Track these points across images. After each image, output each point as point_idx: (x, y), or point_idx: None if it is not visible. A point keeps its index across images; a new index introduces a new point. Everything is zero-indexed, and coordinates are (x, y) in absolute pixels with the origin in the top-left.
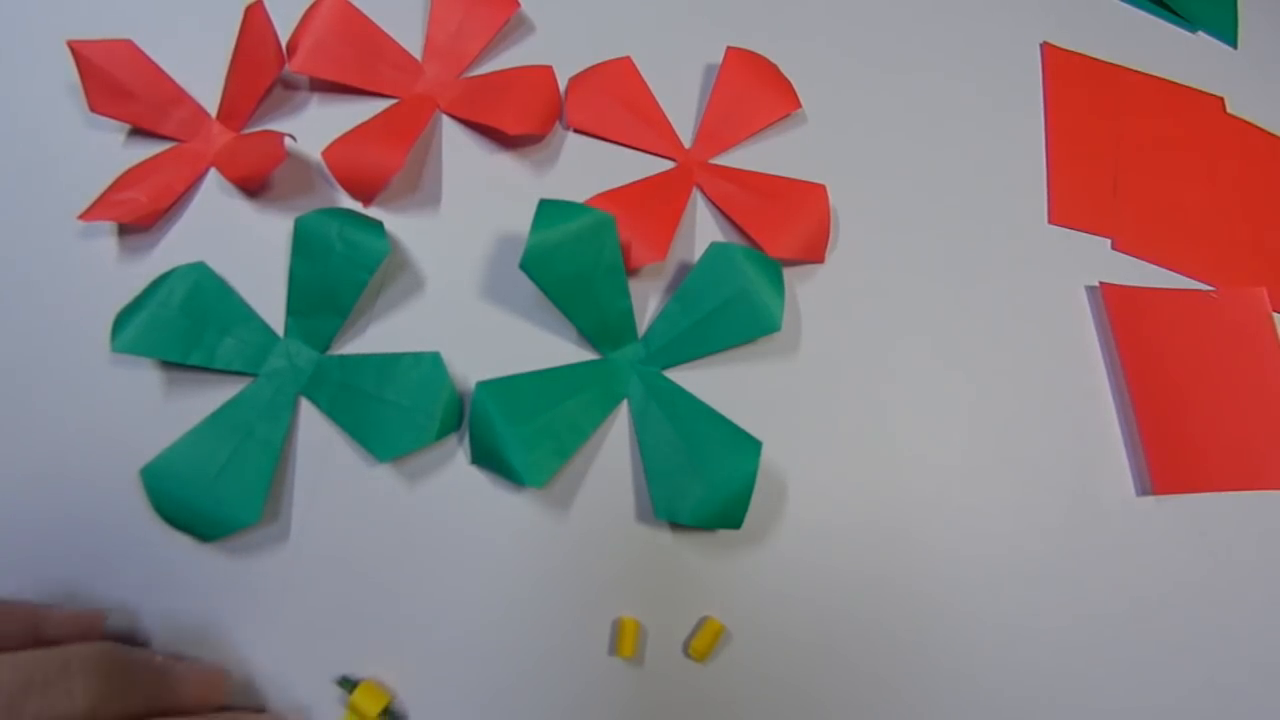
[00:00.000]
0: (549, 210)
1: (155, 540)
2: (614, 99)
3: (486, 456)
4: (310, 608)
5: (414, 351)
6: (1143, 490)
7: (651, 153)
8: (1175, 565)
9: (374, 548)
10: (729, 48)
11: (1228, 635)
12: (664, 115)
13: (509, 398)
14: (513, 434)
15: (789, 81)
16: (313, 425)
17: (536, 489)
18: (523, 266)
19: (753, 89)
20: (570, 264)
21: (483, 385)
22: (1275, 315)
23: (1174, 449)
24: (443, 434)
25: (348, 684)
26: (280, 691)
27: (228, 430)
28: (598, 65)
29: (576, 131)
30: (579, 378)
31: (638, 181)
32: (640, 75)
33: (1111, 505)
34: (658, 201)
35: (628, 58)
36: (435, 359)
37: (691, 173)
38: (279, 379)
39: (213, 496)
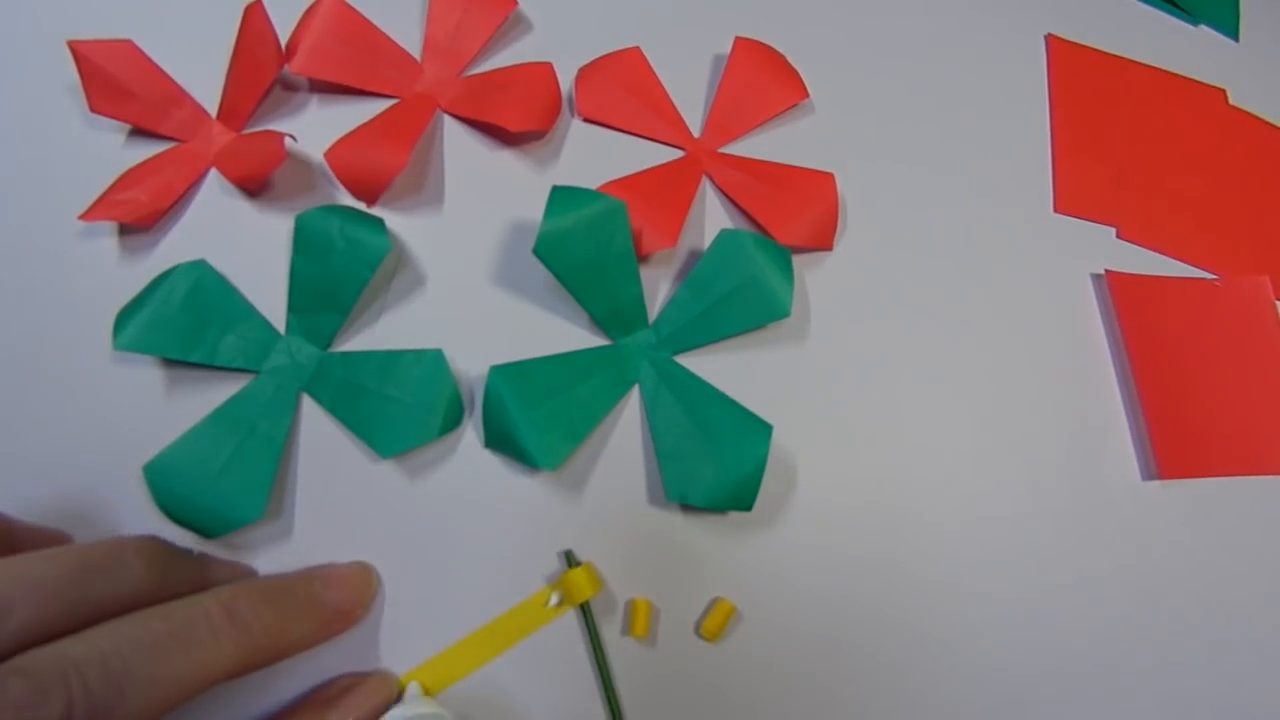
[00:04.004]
0: (561, 196)
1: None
2: (623, 89)
3: (500, 440)
4: None
5: (416, 349)
6: (1148, 475)
7: (661, 142)
8: (1181, 550)
9: (377, 543)
10: (737, 38)
11: (1233, 619)
12: (673, 105)
13: (522, 382)
14: (526, 417)
15: (797, 71)
16: (315, 422)
17: (550, 471)
18: (536, 252)
19: (761, 79)
20: (583, 250)
21: (496, 369)
22: (1278, 303)
23: (1179, 434)
24: (445, 431)
25: (572, 559)
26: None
27: (230, 427)
28: (607, 55)
29: (586, 120)
30: (591, 363)
31: (647, 170)
32: (649, 65)
33: (1117, 490)
34: (667, 189)
35: (637, 48)
36: (437, 356)
37: (700, 161)
38: (281, 376)
39: (216, 493)
